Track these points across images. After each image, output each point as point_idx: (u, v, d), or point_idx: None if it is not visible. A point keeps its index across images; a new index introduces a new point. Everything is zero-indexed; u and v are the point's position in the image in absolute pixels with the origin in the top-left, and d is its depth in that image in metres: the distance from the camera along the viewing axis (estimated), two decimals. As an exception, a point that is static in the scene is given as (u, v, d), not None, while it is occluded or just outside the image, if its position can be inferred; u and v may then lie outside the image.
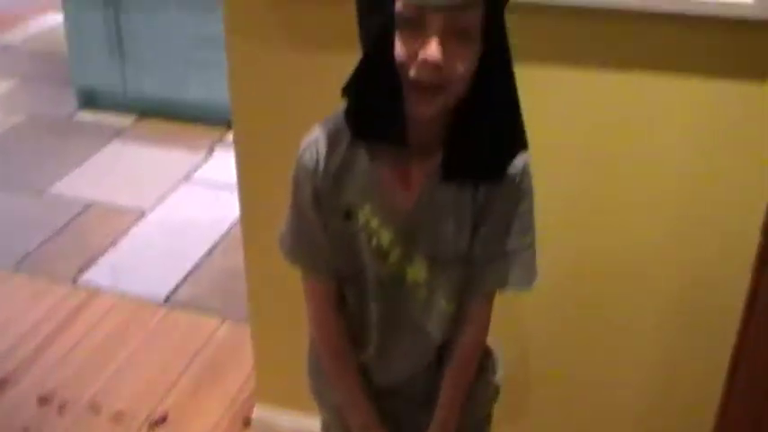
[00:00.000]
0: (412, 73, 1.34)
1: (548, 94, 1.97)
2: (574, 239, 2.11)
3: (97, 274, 3.59)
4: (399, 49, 1.35)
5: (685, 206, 2.02)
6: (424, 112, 1.40)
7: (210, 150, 4.65)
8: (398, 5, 1.32)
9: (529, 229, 1.57)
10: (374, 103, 1.43)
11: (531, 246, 1.58)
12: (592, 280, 2.16)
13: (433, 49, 1.31)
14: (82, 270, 3.61)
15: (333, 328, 1.69)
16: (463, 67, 1.35)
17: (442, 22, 1.30)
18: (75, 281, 3.55)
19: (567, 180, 2.05)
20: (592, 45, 1.92)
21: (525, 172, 1.53)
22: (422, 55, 1.32)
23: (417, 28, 1.32)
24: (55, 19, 6.23)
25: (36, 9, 7.05)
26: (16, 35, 6.58)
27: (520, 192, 1.53)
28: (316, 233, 1.59)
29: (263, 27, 2.14)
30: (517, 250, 1.57)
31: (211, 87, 4.62)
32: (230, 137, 2.36)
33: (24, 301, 3.43)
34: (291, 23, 2.12)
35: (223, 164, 4.32)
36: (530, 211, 1.56)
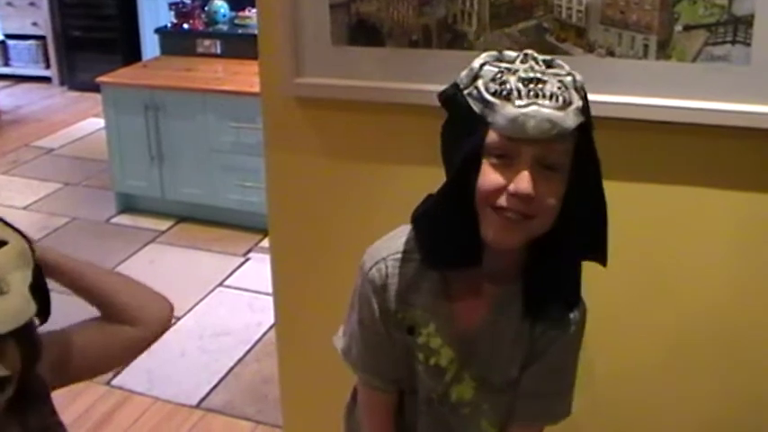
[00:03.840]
0: (500, 202, 1.35)
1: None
2: (621, 350, 2.11)
3: (131, 378, 3.61)
4: (487, 178, 1.36)
5: (734, 316, 2.02)
6: (508, 241, 1.40)
7: (246, 256, 4.71)
8: (491, 136, 1.34)
9: (574, 367, 1.61)
10: (450, 233, 1.44)
11: (572, 382, 1.62)
12: (644, 389, 2.16)
13: (524, 182, 1.32)
14: (116, 373, 3.63)
15: None
16: (553, 199, 1.36)
17: (534, 154, 1.32)
18: (109, 383, 3.57)
19: (615, 290, 2.05)
20: (642, 157, 1.96)
21: (582, 320, 1.57)
22: (513, 188, 1.33)
23: (508, 158, 1.34)
24: (97, 124, 6.40)
25: (79, 115, 7.25)
26: (59, 140, 6.76)
27: (576, 339, 1.57)
28: (384, 345, 1.61)
29: (300, 138, 2.21)
30: (560, 389, 1.61)
31: (248, 194, 4.72)
32: (266, 243, 2.41)
33: (59, 402, 3.42)
34: (328, 135, 2.19)
35: (258, 270, 4.38)
36: (578, 350, 1.60)
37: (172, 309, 1.63)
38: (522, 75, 1.34)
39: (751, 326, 2.02)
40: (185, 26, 5.63)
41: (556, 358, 1.56)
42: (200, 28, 5.60)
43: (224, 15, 5.63)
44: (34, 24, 8.28)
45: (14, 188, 5.81)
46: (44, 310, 1.41)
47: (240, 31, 5.49)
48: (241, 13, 5.58)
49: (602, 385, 2.07)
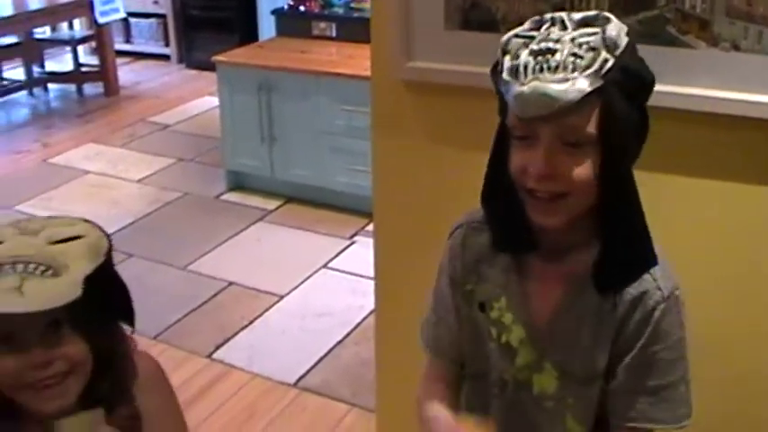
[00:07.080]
0: (529, 184, 1.34)
1: (697, 205, 1.94)
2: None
3: (232, 352, 3.67)
4: (512, 162, 1.36)
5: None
6: (546, 221, 1.39)
7: (352, 239, 4.73)
8: (510, 116, 1.34)
9: (676, 362, 1.46)
10: (500, 215, 1.47)
11: (681, 382, 1.47)
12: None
13: (538, 164, 1.31)
14: (218, 346, 3.69)
15: (441, 400, 1.63)
16: (580, 173, 1.32)
17: (551, 132, 1.29)
18: (210, 356, 3.63)
19: (714, 298, 1.98)
20: (739, 156, 1.87)
21: (673, 302, 1.44)
22: (531, 170, 1.32)
23: (529, 139, 1.32)
24: (211, 102, 6.51)
25: (194, 92, 7.39)
26: (175, 116, 6.91)
27: (666, 327, 1.43)
28: (448, 316, 1.60)
29: (408, 123, 2.19)
30: (662, 386, 1.46)
31: (357, 177, 4.72)
32: (372, 227, 2.40)
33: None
34: (437, 121, 2.17)
35: (363, 253, 4.37)
36: (677, 342, 1.45)
37: None
38: (534, 47, 1.30)
39: None
40: (301, 8, 5.67)
41: (648, 350, 1.43)
42: (317, 11, 5.64)
43: (340, -1, 5.66)
44: (155, 3, 8.47)
45: (130, 161, 5.96)
46: (104, 306, 1.39)
47: (356, 14, 5.50)
48: (357, -3, 5.60)
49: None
